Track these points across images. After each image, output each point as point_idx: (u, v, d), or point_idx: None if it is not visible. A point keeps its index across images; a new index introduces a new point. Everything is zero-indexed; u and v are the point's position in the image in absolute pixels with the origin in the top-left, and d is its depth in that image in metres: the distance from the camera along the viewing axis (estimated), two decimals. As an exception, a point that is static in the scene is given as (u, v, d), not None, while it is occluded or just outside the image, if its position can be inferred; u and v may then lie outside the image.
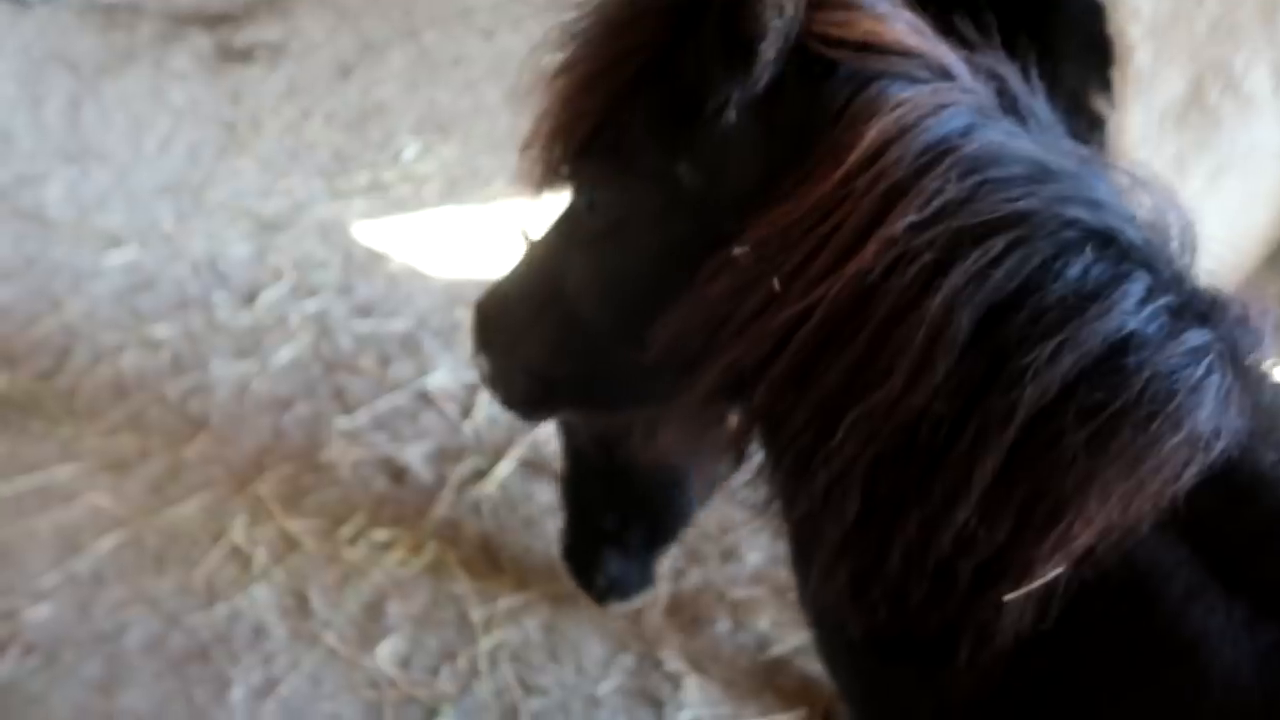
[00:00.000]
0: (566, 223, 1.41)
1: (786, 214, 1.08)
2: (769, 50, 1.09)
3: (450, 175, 4.58)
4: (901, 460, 1.01)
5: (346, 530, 2.95)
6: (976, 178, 1.04)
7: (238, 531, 2.96)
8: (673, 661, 2.67)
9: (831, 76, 1.12)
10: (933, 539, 1.00)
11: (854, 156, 1.05)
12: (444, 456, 3.21)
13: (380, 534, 2.94)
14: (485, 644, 2.68)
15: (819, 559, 1.08)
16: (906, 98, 1.08)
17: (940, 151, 1.05)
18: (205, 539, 2.94)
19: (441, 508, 3.03)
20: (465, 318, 3.81)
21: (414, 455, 3.20)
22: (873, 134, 1.06)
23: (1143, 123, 2.70)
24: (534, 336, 1.47)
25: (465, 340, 3.75)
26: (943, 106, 1.08)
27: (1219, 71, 2.81)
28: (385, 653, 2.65)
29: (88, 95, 5.08)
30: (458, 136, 4.82)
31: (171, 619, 2.73)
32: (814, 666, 2.68)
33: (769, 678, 2.65)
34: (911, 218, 1.02)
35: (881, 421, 1.01)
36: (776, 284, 1.07)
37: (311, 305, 3.83)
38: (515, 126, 4.45)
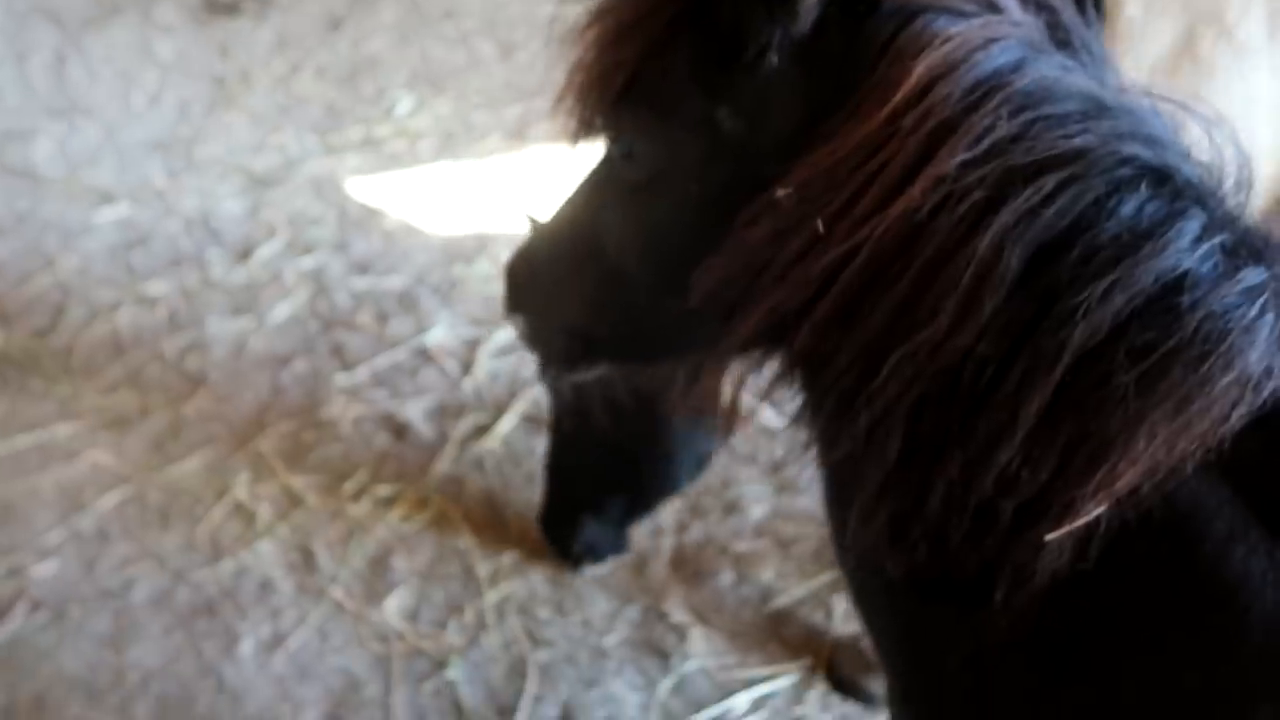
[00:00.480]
0: (602, 177, 1.37)
1: (830, 154, 1.06)
2: None
3: (445, 130, 4.53)
4: (945, 401, 1.01)
5: (349, 486, 2.96)
6: (1029, 114, 1.01)
7: (240, 488, 2.96)
8: (677, 613, 2.69)
9: (875, 13, 1.10)
10: (974, 479, 1.00)
11: (900, 94, 1.03)
12: (445, 413, 3.21)
13: (383, 490, 2.94)
14: (491, 597, 2.70)
15: (859, 501, 1.08)
16: (955, 32, 1.05)
17: (990, 87, 1.03)
18: (208, 496, 2.94)
19: (444, 463, 3.04)
20: (463, 274, 3.82)
21: (414, 412, 3.20)
22: (920, 70, 1.03)
23: (1132, 78, 2.66)
24: (571, 295, 1.45)
25: (464, 296, 3.77)
26: (992, 40, 1.05)
27: (1212, 20, 2.78)
28: (392, 606, 2.67)
29: (73, 49, 4.98)
30: (451, 91, 4.76)
31: (178, 575, 2.74)
32: (817, 618, 2.71)
33: (773, 629, 2.68)
34: (961, 156, 1.00)
35: (926, 362, 1.00)
36: (820, 225, 1.05)
37: (307, 262, 3.80)
38: (510, 80, 4.36)
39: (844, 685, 2.54)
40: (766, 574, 2.80)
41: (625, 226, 1.32)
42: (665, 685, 2.54)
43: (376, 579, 2.74)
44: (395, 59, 5.00)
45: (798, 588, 2.76)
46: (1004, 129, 1.00)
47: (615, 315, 1.41)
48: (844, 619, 2.69)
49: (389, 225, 3.99)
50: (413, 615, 2.66)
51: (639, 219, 1.29)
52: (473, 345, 3.43)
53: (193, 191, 4.16)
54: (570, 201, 1.47)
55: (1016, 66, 1.05)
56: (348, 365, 3.36)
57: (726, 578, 2.79)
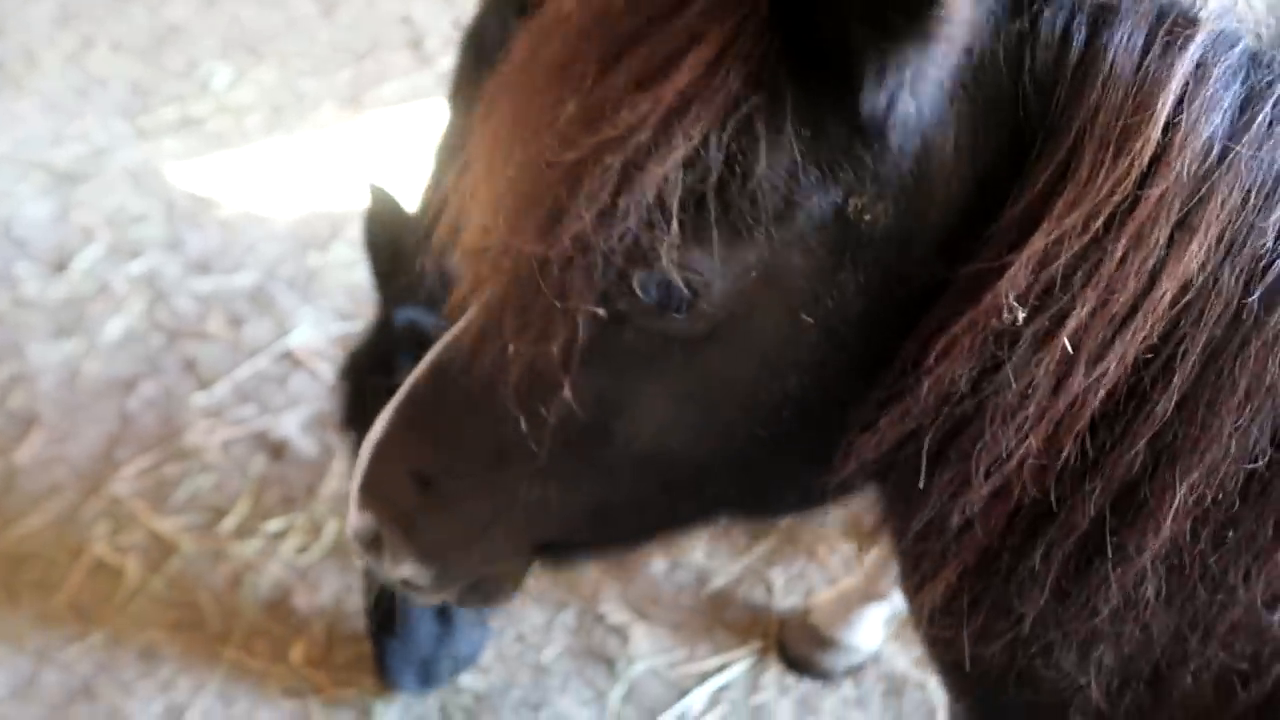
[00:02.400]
0: (586, 342, 0.89)
1: (1069, 236, 0.76)
2: None
3: (272, 102, 4.09)
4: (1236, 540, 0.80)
5: (229, 522, 2.63)
6: None
7: (99, 543, 2.58)
8: (615, 613, 2.51)
9: (1046, 7, 0.78)
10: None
11: (1151, 134, 0.74)
12: (324, 422, 2.89)
13: (271, 522, 2.63)
14: (411, 626, 2.45)
15: None
16: (1197, 38, 0.77)
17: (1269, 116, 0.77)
18: (62, 556, 2.55)
19: (333, 481, 2.74)
20: (319, 263, 3.46)
21: (290, 426, 2.87)
22: (1172, 92, 0.74)
23: None
24: (545, 506, 1.00)
25: (323, 289, 3.41)
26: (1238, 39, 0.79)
27: None
28: (300, 654, 2.38)
29: None
30: (273, 58, 4.30)
31: (41, 656, 2.36)
32: (757, 595, 2.58)
33: (715, 614, 2.54)
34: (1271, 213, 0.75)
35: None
36: (1066, 344, 0.77)
37: (136, 267, 3.37)
38: (335, 41, 3.89)
39: (798, 663, 2.43)
40: (698, 555, 2.65)
41: (670, 402, 0.91)
42: (616, 694, 2.37)
43: (277, 625, 2.44)
44: (202, 25, 4.48)
45: (733, 565, 2.63)
46: None
47: (625, 513, 1.03)
48: (784, 593, 2.58)
49: (225, 215, 3.58)
50: (325, 660, 2.39)
51: (697, 386, 0.90)
52: (342, 342, 3.10)
53: (-15, 197, 3.63)
54: (483, 375, 0.95)
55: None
56: (204, 382, 2.99)
57: (659, 566, 2.62)
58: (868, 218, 0.82)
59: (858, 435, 0.87)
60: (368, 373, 2.05)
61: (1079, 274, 0.78)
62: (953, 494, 0.84)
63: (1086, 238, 0.77)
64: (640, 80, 0.78)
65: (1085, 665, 0.88)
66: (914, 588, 0.95)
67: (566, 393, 0.89)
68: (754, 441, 0.92)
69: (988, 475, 0.82)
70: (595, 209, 0.80)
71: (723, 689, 2.39)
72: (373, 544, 1.12)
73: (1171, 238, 0.78)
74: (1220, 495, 0.81)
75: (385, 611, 2.22)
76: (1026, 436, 0.81)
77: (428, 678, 2.27)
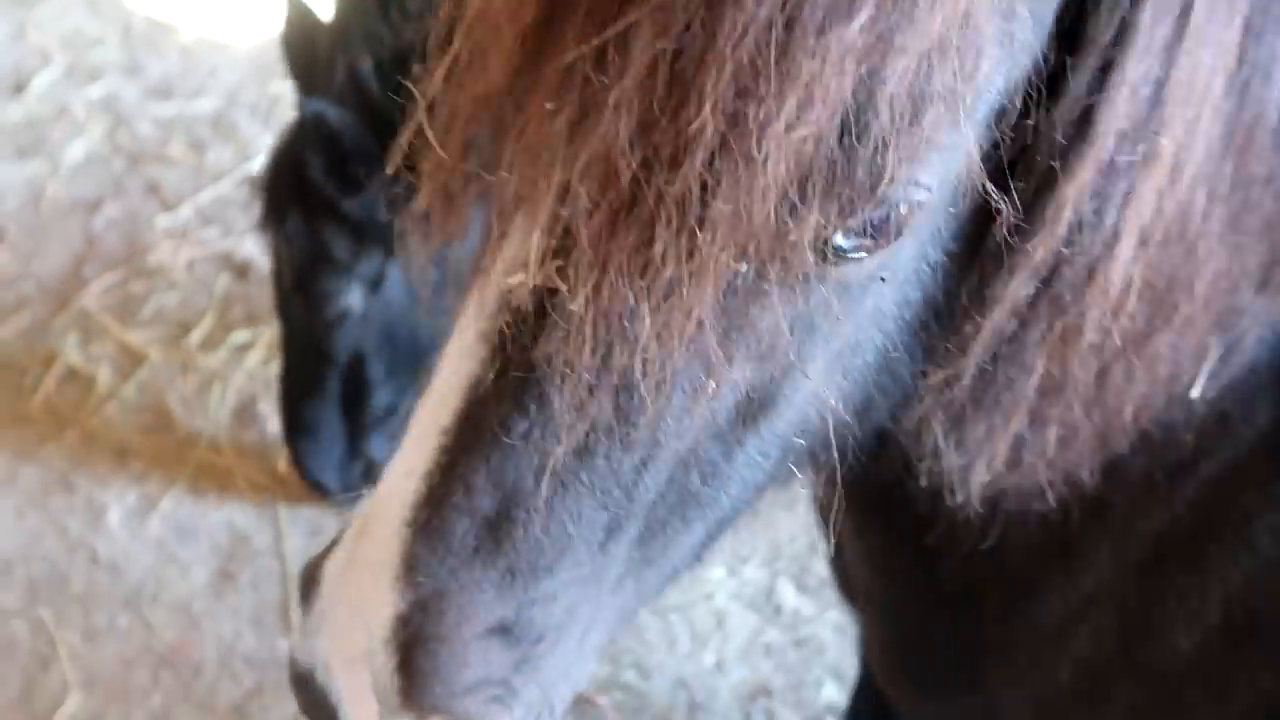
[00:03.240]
0: (789, 322, 0.72)
1: (1154, 56, 0.71)
2: None
3: (230, -74, 4.00)
4: None
5: (196, 336, 2.73)
6: None
7: (71, 351, 2.69)
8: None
9: None
10: None
11: None
12: (288, 246, 2.97)
13: (236, 336, 2.74)
14: (372, 433, 2.60)
15: None
16: None
17: None
18: (35, 365, 2.66)
19: (296, 300, 2.83)
20: (281, 91, 3.46)
21: (254, 248, 2.94)
22: None
23: None
24: (660, 553, 0.82)
25: (286, 116, 3.42)
26: None
27: None
28: (267, 455, 2.53)
29: None
30: (229, -122, 4.18)
31: (19, 452, 2.50)
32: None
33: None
34: None
35: None
36: (1167, 161, 0.75)
37: (96, 90, 3.36)
38: None
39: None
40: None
41: (824, 362, 0.76)
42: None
43: (244, 429, 2.58)
44: None
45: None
46: None
47: (734, 516, 0.86)
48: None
49: (185, 41, 3.56)
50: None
51: (858, 332, 0.77)
52: (305, 170, 3.16)
53: (-63, 16, 3.58)
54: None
55: None
56: (168, 204, 3.04)
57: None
58: (1017, 75, 0.72)
59: (983, 311, 0.78)
60: (282, 172, 2.12)
61: (1167, 89, 0.73)
62: (1064, 340, 0.80)
63: (1171, 51, 0.72)
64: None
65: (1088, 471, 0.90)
66: (958, 444, 0.86)
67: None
68: (885, 366, 0.81)
69: (1100, 314, 0.78)
70: (838, 140, 0.63)
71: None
72: None
73: (1240, 29, 0.74)
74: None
75: (294, 413, 2.25)
76: (1133, 266, 0.77)
77: (345, 478, 2.27)
